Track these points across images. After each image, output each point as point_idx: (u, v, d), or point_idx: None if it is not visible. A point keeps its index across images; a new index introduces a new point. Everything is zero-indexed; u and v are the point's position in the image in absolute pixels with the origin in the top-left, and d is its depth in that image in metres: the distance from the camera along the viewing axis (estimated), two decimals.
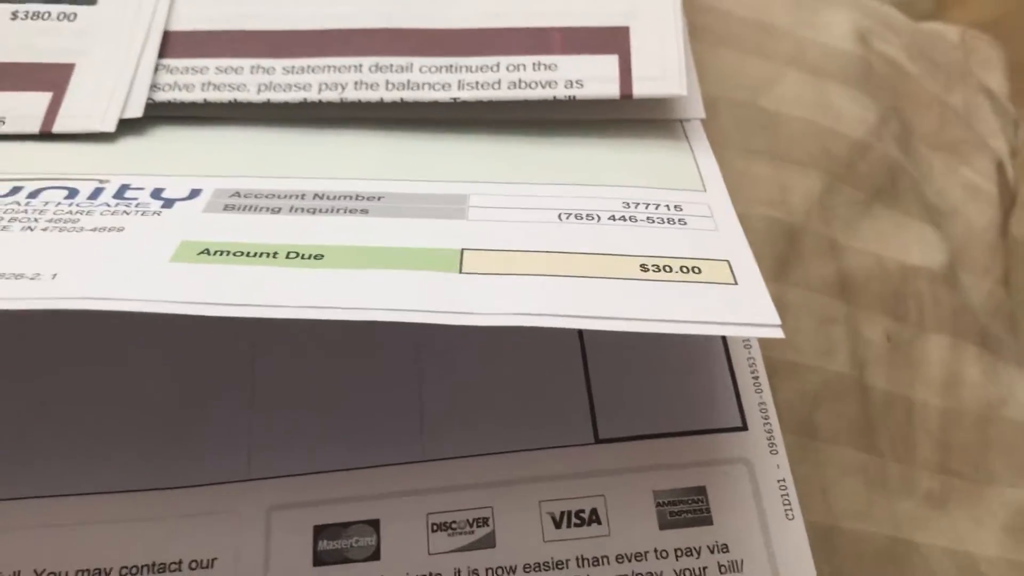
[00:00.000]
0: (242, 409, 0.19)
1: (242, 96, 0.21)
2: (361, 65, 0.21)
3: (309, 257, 0.16)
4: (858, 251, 0.24)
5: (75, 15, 0.22)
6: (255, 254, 0.16)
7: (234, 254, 0.16)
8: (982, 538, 0.23)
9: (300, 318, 0.15)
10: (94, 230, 0.17)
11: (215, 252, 0.16)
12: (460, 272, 0.16)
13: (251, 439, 0.19)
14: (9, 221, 0.17)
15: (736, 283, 0.16)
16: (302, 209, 0.18)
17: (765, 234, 0.23)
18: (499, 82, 0.21)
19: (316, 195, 0.18)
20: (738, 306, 0.16)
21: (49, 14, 0.22)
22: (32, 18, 0.22)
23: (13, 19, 0.22)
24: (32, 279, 0.15)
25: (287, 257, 0.16)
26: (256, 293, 0.15)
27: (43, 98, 0.21)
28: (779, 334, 0.15)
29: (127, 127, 0.21)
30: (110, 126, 0.20)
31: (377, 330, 0.19)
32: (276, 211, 0.18)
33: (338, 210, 0.18)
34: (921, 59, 0.31)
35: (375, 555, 0.18)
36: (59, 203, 0.18)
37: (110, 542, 0.18)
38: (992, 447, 0.24)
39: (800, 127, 0.25)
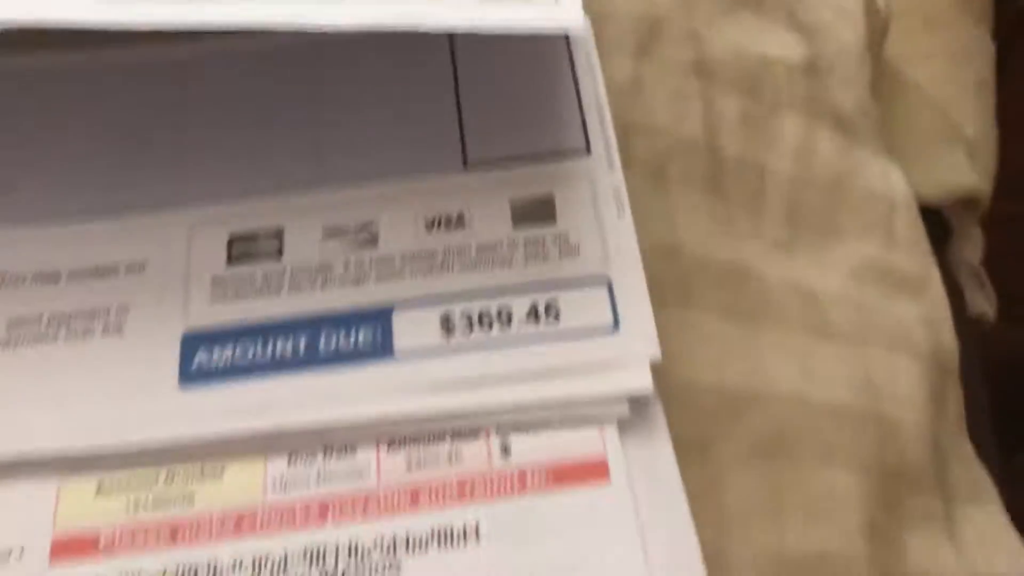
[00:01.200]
0: (170, 145, 0.22)
1: None
2: None
3: None
4: (718, 42, 0.28)
5: None
6: None
7: None
8: (826, 279, 0.26)
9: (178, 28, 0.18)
10: None
11: None
12: None
13: (175, 171, 0.22)
14: None
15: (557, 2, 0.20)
16: None
17: (629, 23, 0.27)
18: None
19: None
20: (552, 12, 0.19)
21: None
22: None
23: None
24: None
25: None
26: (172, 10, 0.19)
27: None
28: (582, 32, 0.18)
29: None
30: None
31: (272, 69, 0.23)
32: None
33: None
34: None
35: (279, 254, 0.21)
36: None
37: (60, 254, 0.21)
38: (840, 207, 0.28)
39: None
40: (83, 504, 0.19)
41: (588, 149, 0.22)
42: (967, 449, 0.28)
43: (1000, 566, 0.24)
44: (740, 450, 0.21)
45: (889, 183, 0.29)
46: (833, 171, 0.28)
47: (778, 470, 0.22)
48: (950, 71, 0.44)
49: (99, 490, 0.19)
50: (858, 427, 0.23)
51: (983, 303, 0.44)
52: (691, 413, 0.21)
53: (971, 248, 0.43)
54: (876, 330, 0.26)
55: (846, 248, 0.27)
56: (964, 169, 0.40)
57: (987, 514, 0.26)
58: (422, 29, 0.18)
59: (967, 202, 0.40)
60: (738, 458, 0.21)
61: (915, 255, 0.28)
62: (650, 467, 0.19)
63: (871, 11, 0.33)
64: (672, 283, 0.23)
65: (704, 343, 0.23)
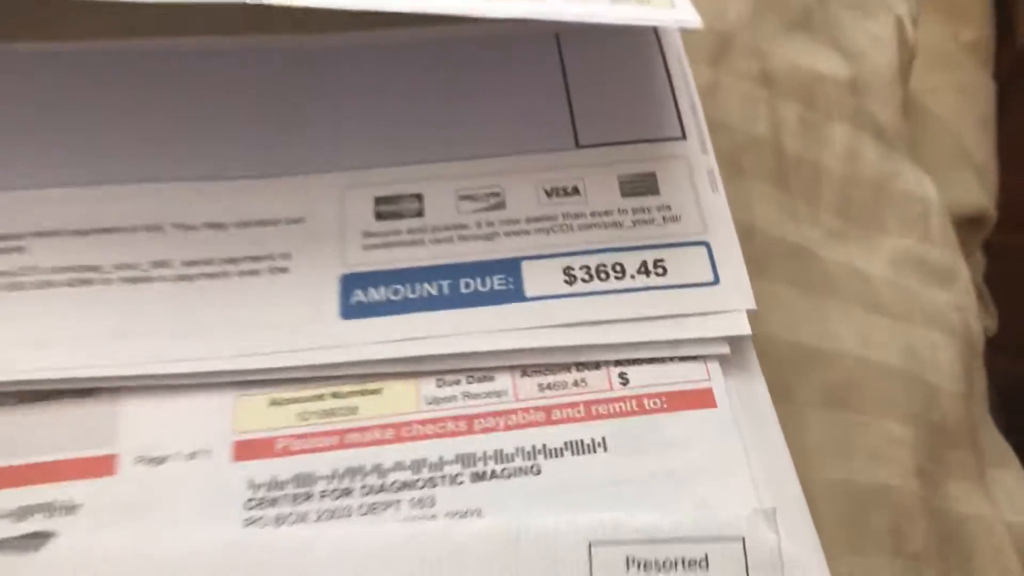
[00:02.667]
0: (324, 119, 0.26)
1: None
2: None
3: None
4: (779, 57, 0.32)
5: None
6: None
7: None
8: (873, 264, 0.30)
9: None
10: None
11: None
12: None
13: (329, 141, 0.25)
14: None
15: (673, 5, 0.23)
16: None
17: (706, 35, 0.30)
18: None
19: None
20: (673, 12, 0.23)
21: None
22: None
23: None
24: None
25: None
26: None
27: None
28: (699, 25, 0.22)
29: None
30: None
31: (410, 63, 0.26)
32: None
33: None
34: None
35: (420, 214, 0.24)
36: None
37: (227, 206, 0.24)
38: (884, 205, 0.31)
39: None
40: (258, 414, 0.22)
41: (684, 135, 0.26)
42: (991, 423, 0.31)
43: None
44: (814, 397, 0.25)
45: (924, 188, 0.33)
46: (877, 173, 0.32)
47: (845, 416, 0.25)
48: (959, 104, 0.49)
49: (272, 403, 0.22)
50: (908, 387, 0.26)
51: (986, 317, 0.48)
52: (771, 362, 0.24)
53: (974, 266, 0.47)
54: (917, 310, 0.29)
55: (890, 240, 0.31)
56: (975, 189, 0.44)
57: (1011, 476, 0.29)
58: (565, 19, 0.22)
59: (974, 220, 0.44)
60: (812, 403, 0.25)
61: (947, 250, 0.32)
62: (748, 397, 0.22)
63: (902, 41, 0.37)
64: (749, 257, 0.27)
65: (778, 307, 0.26)
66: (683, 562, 0.18)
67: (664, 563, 0.18)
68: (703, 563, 0.18)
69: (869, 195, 0.31)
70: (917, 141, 0.40)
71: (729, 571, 0.18)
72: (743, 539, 0.18)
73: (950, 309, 0.30)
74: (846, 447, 0.24)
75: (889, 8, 0.38)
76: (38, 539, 0.19)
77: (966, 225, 0.45)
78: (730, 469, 0.21)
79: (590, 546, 0.19)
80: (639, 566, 0.18)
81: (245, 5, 0.21)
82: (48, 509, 0.20)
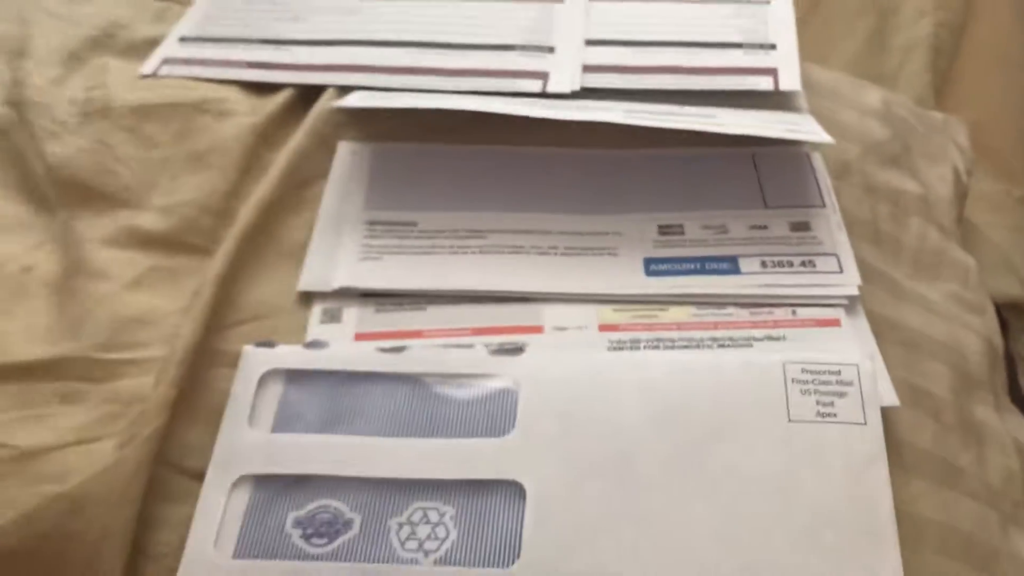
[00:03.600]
0: (629, 187, 0.49)
1: None
2: None
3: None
4: (877, 178, 0.54)
5: None
6: None
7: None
8: (932, 293, 0.50)
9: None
10: None
11: None
12: None
13: (626, 198, 0.49)
14: None
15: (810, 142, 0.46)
16: None
17: (833, 161, 0.53)
18: None
19: None
20: (820, 134, 0.46)
21: None
22: None
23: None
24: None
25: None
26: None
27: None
28: (831, 140, 0.45)
29: None
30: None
31: (660, 166, 0.50)
32: None
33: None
34: (917, 118, 0.61)
35: (682, 233, 0.47)
36: None
37: (579, 225, 0.48)
38: (941, 266, 0.52)
39: (846, 126, 0.55)
40: (609, 314, 0.44)
41: (824, 205, 0.48)
42: (1007, 398, 0.50)
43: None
44: (893, 339, 0.45)
45: (967, 260, 0.54)
46: (937, 248, 0.53)
47: (910, 354, 0.45)
48: (1010, 237, 0.69)
49: (614, 310, 0.44)
50: (949, 350, 0.47)
51: None
52: (869, 322, 0.45)
53: (1022, 344, 0.67)
54: (958, 320, 0.49)
55: (944, 284, 0.51)
56: (1016, 288, 0.64)
57: (1019, 420, 0.48)
58: (761, 134, 0.45)
59: (1015, 306, 0.64)
60: (891, 342, 0.45)
61: (980, 295, 0.52)
62: (856, 326, 0.43)
63: (957, 180, 0.59)
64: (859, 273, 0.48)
65: (874, 298, 0.47)
66: (829, 371, 0.39)
67: (820, 371, 0.39)
68: (839, 372, 0.39)
69: (931, 258, 0.52)
70: (976, 256, 0.61)
71: (850, 376, 0.39)
72: (858, 364, 0.39)
73: (980, 326, 0.50)
74: (909, 366, 0.44)
75: (950, 160, 0.60)
76: (516, 351, 0.42)
77: (1010, 308, 0.65)
78: (847, 350, 0.42)
79: (784, 364, 0.40)
80: (808, 372, 0.39)
81: (582, 123, 0.46)
82: (513, 343, 0.43)
